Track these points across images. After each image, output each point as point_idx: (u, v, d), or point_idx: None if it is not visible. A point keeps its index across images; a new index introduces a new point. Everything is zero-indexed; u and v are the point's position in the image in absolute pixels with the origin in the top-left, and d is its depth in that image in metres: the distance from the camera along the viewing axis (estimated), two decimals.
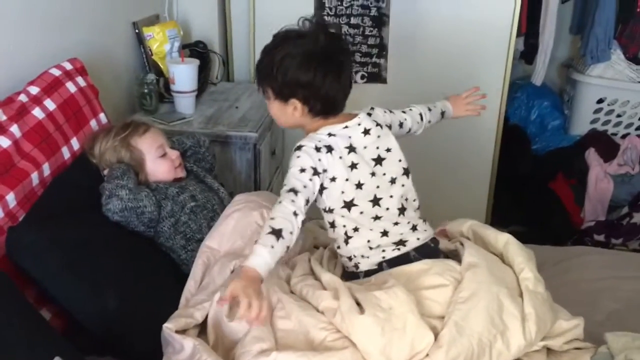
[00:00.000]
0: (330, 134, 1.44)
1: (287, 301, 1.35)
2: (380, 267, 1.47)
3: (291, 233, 1.28)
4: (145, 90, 2.24)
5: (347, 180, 1.43)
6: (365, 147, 1.47)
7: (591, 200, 2.81)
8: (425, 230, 1.53)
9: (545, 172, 2.92)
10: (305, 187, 1.36)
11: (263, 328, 1.28)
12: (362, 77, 2.78)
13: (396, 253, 1.47)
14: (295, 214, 1.30)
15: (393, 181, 1.49)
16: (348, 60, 1.49)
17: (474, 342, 1.25)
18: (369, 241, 1.46)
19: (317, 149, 1.41)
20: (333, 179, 1.42)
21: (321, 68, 1.39)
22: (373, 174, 1.46)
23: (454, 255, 1.54)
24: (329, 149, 1.42)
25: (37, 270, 1.35)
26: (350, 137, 1.46)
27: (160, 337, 1.32)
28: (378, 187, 1.46)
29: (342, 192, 1.43)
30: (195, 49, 2.54)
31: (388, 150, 1.51)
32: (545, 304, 1.36)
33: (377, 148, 1.49)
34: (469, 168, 2.86)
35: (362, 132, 1.47)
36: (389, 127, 1.57)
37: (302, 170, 1.38)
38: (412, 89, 2.75)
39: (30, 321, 1.16)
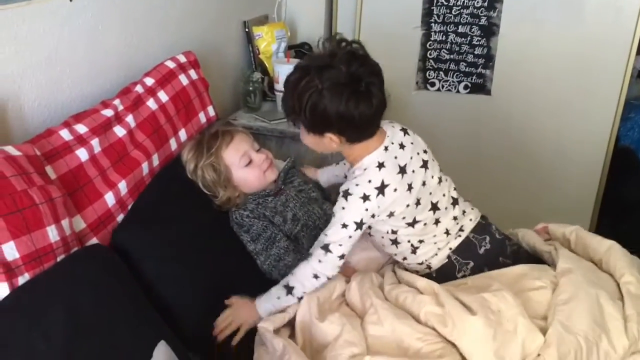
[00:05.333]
0: (379, 165, 1.39)
1: (381, 307, 1.34)
2: (450, 259, 1.53)
3: (304, 292, 1.39)
4: (251, 88, 2.29)
5: (407, 206, 1.42)
6: (411, 158, 1.45)
7: None
8: (472, 209, 1.59)
9: None
10: (340, 245, 1.39)
11: (355, 333, 1.29)
12: (466, 87, 2.71)
13: (459, 240, 1.53)
14: (316, 276, 1.40)
15: (440, 180, 1.52)
16: (378, 78, 1.37)
17: (581, 340, 1.24)
18: (435, 243, 1.52)
19: (366, 197, 1.37)
20: (391, 214, 1.42)
21: (352, 96, 1.30)
22: (424, 183, 1.46)
23: (546, 258, 1.55)
24: (381, 189, 1.38)
25: (141, 272, 1.37)
26: (396, 157, 1.42)
27: (240, 336, 1.38)
28: (431, 193, 1.48)
29: (404, 218, 1.44)
30: (300, 50, 2.57)
31: (425, 151, 1.52)
32: None
33: (418, 154, 1.48)
34: (572, 189, 2.72)
35: (400, 147, 1.45)
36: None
37: (345, 226, 1.38)
38: (517, 103, 2.67)
39: (138, 303, 1.20)
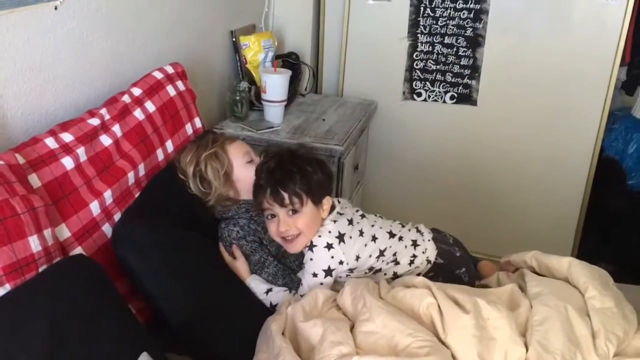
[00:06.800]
0: (333, 220, 1.55)
1: (375, 305, 1.35)
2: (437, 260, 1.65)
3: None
4: (237, 98, 2.29)
5: (365, 245, 1.55)
6: (353, 214, 1.60)
7: None
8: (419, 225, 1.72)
9: None
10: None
11: (341, 333, 1.28)
12: (452, 97, 2.73)
13: (432, 245, 1.64)
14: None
15: (381, 217, 1.67)
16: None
17: (559, 358, 1.27)
18: (406, 247, 1.61)
19: (329, 246, 1.51)
20: (357, 258, 1.54)
21: (324, 162, 1.60)
22: (372, 226, 1.59)
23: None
24: (340, 237, 1.53)
25: (139, 264, 1.38)
26: (346, 207, 1.62)
27: (241, 337, 1.39)
28: (381, 227, 1.61)
29: (370, 255, 1.56)
30: (287, 60, 2.58)
31: (357, 210, 1.67)
32: (615, 316, 1.38)
33: (357, 211, 1.64)
34: (557, 199, 2.75)
35: (342, 208, 1.61)
36: None
37: (314, 275, 1.52)
38: (503, 114, 2.69)
39: (121, 314, 1.19)
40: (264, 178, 1.51)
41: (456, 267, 1.65)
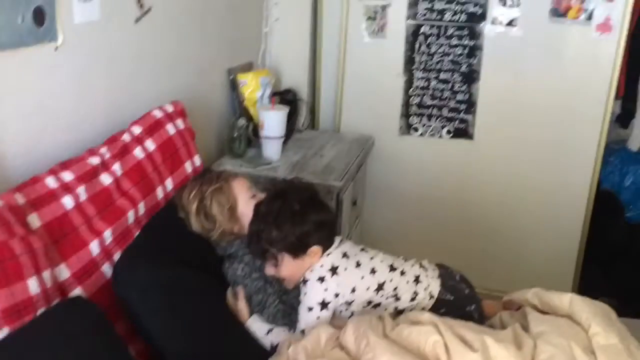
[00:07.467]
0: (327, 254, 1.54)
1: (378, 344, 1.33)
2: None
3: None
4: (235, 134, 2.30)
5: (362, 278, 1.53)
6: (350, 248, 1.59)
7: None
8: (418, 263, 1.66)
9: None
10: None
11: None
12: (448, 132, 2.75)
13: (437, 283, 1.61)
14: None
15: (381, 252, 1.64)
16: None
17: None
18: (408, 282, 1.57)
19: (321, 279, 1.51)
20: (353, 290, 1.52)
21: (322, 206, 1.57)
22: (372, 258, 1.57)
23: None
24: (333, 270, 1.52)
25: (139, 304, 1.37)
26: (345, 243, 1.60)
27: None
28: (382, 261, 1.59)
29: (368, 288, 1.53)
30: (284, 97, 2.60)
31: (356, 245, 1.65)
32: (621, 352, 1.35)
33: (357, 246, 1.63)
34: (555, 234, 2.74)
35: (338, 244, 1.59)
36: None
37: (310, 309, 1.51)
38: (499, 148, 2.71)
39: (120, 357, 1.17)
40: (250, 224, 1.55)
41: (467, 303, 1.63)
